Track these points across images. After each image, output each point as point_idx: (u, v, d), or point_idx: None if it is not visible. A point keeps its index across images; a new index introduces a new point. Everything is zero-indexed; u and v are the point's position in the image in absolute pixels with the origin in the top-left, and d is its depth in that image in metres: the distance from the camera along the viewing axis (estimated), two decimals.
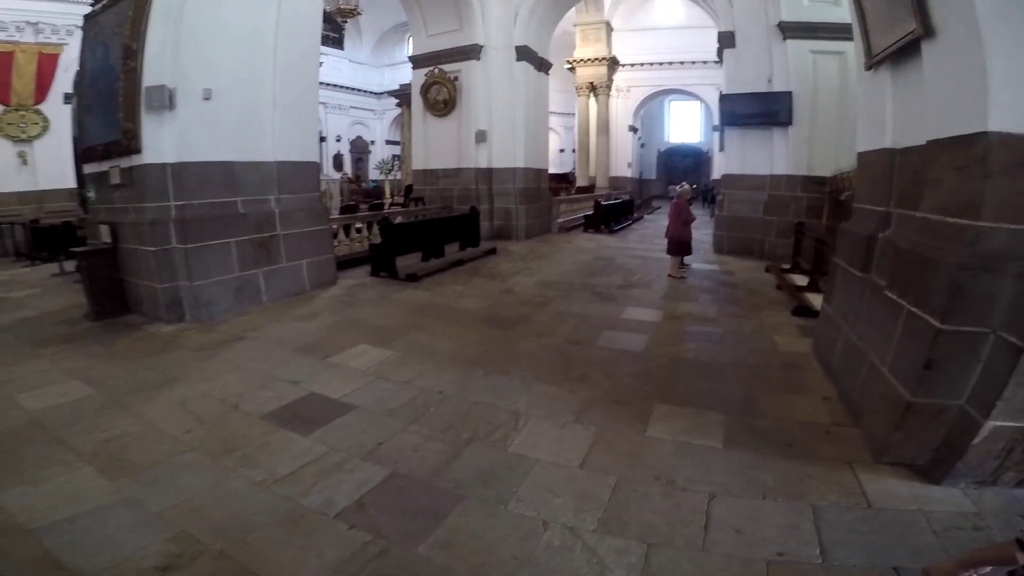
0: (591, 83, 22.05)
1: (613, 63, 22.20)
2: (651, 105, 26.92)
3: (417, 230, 9.02)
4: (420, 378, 4.15)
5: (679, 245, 8.36)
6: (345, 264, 8.53)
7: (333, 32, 23.41)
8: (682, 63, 23.80)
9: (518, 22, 11.74)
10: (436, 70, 11.93)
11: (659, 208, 22.45)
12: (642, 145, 27.95)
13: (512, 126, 12.00)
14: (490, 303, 6.60)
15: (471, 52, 11.62)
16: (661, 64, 24.16)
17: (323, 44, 25.14)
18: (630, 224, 15.73)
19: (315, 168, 7.71)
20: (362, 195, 19.53)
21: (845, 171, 8.34)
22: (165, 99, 5.46)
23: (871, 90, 3.94)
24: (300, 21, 6.75)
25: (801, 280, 7.43)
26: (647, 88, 25.16)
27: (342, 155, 27.43)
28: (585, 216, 14.55)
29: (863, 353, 3.39)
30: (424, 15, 12.00)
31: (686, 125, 29.79)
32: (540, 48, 12.54)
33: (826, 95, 9.32)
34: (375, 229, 9.23)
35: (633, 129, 26.02)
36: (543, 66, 12.86)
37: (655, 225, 16.72)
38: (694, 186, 23.90)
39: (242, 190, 6.28)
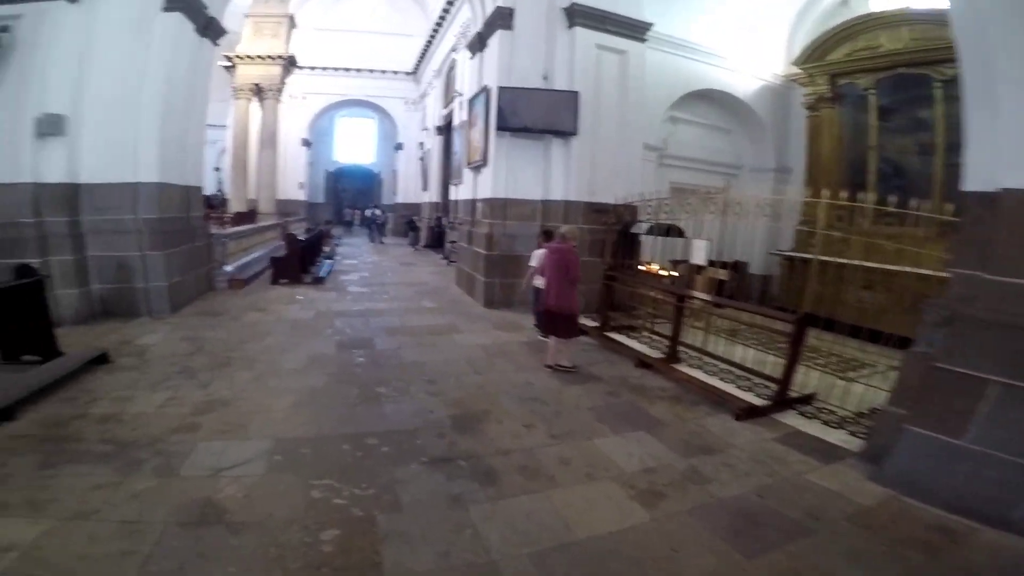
0: (257, 85, 17.14)
1: (290, 64, 17.95)
2: (321, 120, 22.67)
3: None
4: None
5: (567, 321, 5.10)
6: None
7: None
8: (371, 71, 21.01)
9: None
10: None
11: (339, 239, 18.57)
12: (309, 164, 23.17)
13: (133, 113, 6.37)
14: None
15: None
16: (348, 70, 20.71)
17: None
18: (331, 265, 11.41)
19: None
20: None
21: (632, 199, 7.04)
22: None
23: None
24: None
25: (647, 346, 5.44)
26: (328, 96, 21.11)
27: None
28: (273, 259, 9.48)
29: None
30: None
31: (357, 143, 26.42)
32: (213, 3, 7.20)
33: (608, 102, 7.89)
34: None
35: (307, 143, 21.24)
36: (212, 30, 7.44)
37: (361, 263, 12.96)
38: (375, 211, 21.38)
39: None
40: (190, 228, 7.44)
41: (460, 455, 3.31)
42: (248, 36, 17.01)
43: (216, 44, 7.81)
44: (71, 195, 6.12)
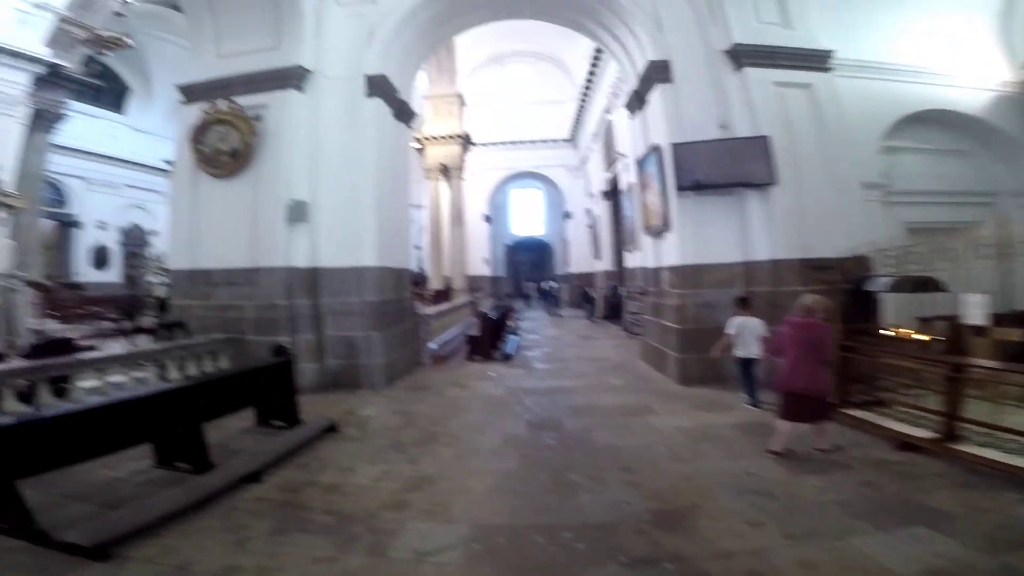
0: (443, 165, 18.65)
1: (466, 141, 19.32)
2: (497, 194, 24.69)
3: (104, 420, 3.50)
4: None
5: (817, 403, 4.27)
6: None
7: (100, 81, 15.89)
8: (532, 142, 22.51)
9: (374, 44, 7.67)
10: (223, 102, 7.09)
11: (520, 312, 19.20)
12: (490, 238, 25.19)
13: (355, 198, 7.44)
14: None
15: (290, 78, 7.22)
16: (513, 143, 22.50)
17: (92, 101, 17.65)
18: (517, 340, 11.79)
19: None
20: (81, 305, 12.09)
21: (861, 249, 5.75)
22: None
23: None
24: None
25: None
26: (500, 171, 23.07)
27: (106, 248, 18.56)
28: (468, 337, 10.17)
29: None
30: (219, 25, 7.48)
31: (529, 214, 27.67)
32: (402, 87, 8.50)
33: (805, 141, 6.98)
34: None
35: (488, 219, 23.21)
36: (404, 114, 8.75)
37: (543, 337, 13.15)
38: (551, 284, 22.08)
39: None
40: (403, 308, 8.37)
41: (666, 556, 2.77)
42: (430, 118, 18.42)
43: (409, 127, 9.01)
44: (313, 279, 7.29)
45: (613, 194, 16.21)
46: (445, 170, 18.83)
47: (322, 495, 3.68)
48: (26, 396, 4.24)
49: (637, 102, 8.41)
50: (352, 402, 6.37)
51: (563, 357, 9.94)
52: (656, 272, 8.33)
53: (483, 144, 21.53)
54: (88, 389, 4.87)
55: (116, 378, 5.13)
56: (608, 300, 16.72)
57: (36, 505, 3.01)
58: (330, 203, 7.36)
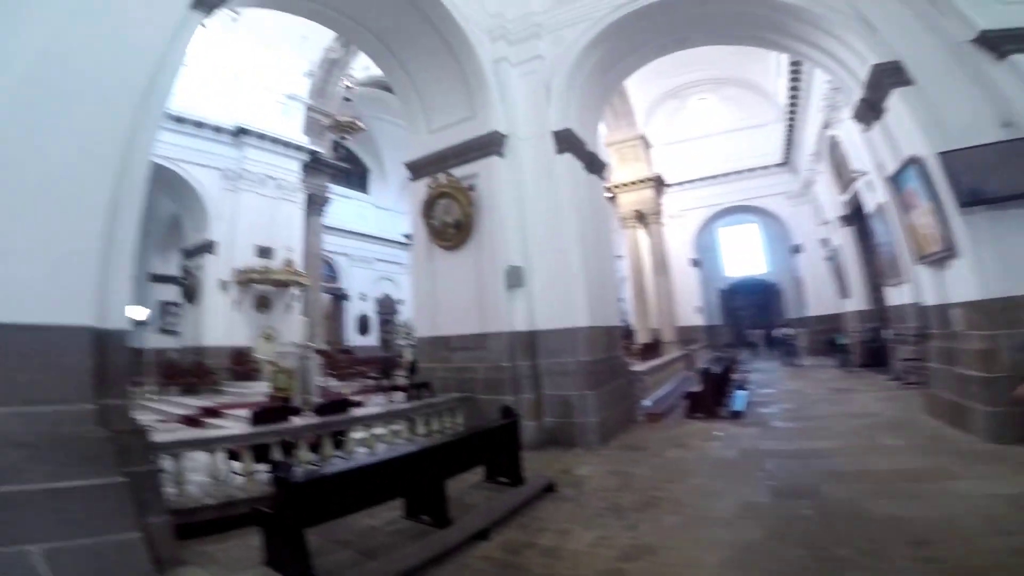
0: (638, 211, 18.34)
1: (659, 183, 18.75)
2: (703, 235, 22.66)
3: (371, 476, 4.04)
4: None
5: None
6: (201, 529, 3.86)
7: (346, 164, 20.03)
8: (737, 172, 20.35)
9: (553, 99, 8.10)
10: (443, 176, 8.11)
11: (745, 363, 16.89)
12: (701, 284, 23.11)
13: (562, 257, 7.68)
14: None
15: (490, 145, 7.88)
16: (714, 177, 20.67)
17: (343, 183, 21.73)
18: (746, 395, 10.33)
19: None
20: (351, 366, 14.91)
21: None
22: None
23: None
24: None
25: None
26: (704, 210, 21.30)
27: (367, 316, 23.26)
28: (687, 394, 9.36)
29: None
30: (424, 103, 8.58)
31: (745, 253, 24.45)
32: (587, 139, 8.77)
33: None
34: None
35: (695, 263, 21.57)
36: (595, 165, 8.97)
37: (780, 391, 11.27)
38: (786, 331, 18.88)
39: None
40: (614, 367, 8.16)
41: None
42: (615, 165, 18.21)
43: (601, 178, 9.01)
44: (532, 341, 7.63)
45: (856, 218, 13.59)
46: (640, 217, 18.52)
47: (539, 558, 3.58)
48: (314, 446, 5.30)
49: (870, 112, 7.05)
50: (567, 461, 6.27)
51: (812, 414, 8.27)
52: (941, 309, 6.52)
53: (679, 184, 20.61)
54: (357, 440, 5.88)
55: (377, 430, 6.09)
56: (866, 345, 13.62)
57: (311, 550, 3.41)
58: (540, 265, 7.69)
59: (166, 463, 4.11)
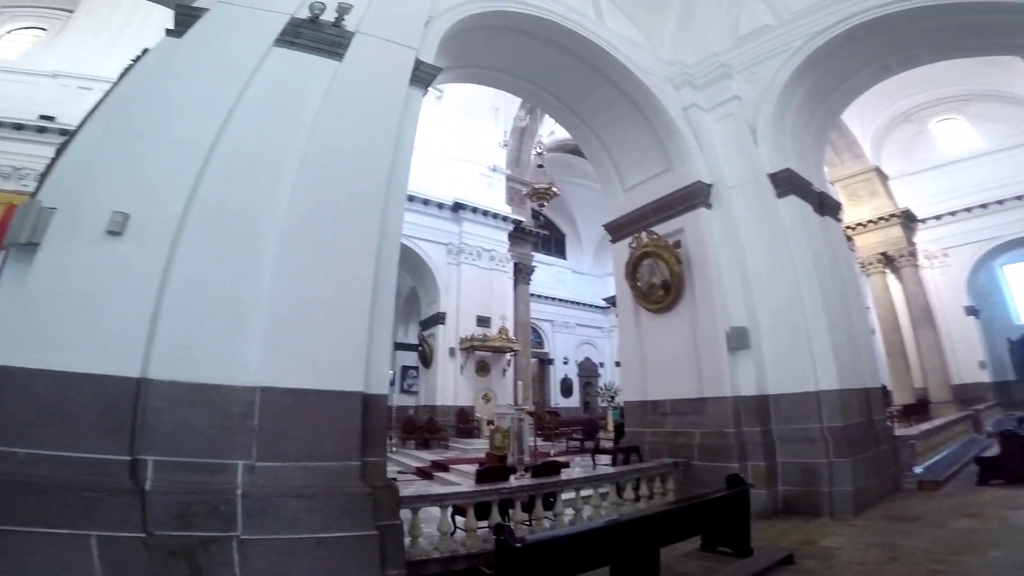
0: (883, 254, 15.72)
1: (908, 219, 15.83)
2: (979, 276, 17.93)
3: (587, 542, 3.80)
4: None
5: None
6: None
7: (544, 230, 20.48)
8: (1019, 198, 15.96)
9: (760, 139, 7.52)
10: (644, 235, 7.89)
11: None
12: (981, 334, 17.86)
13: (796, 313, 6.79)
14: None
15: (694, 196, 7.55)
16: (985, 207, 16.55)
17: (543, 250, 22.83)
18: None
19: None
20: (554, 428, 14.91)
21: None
22: None
23: None
24: None
25: None
26: (975, 246, 17.05)
27: (570, 380, 23.95)
28: (979, 459, 7.49)
29: None
30: (615, 161, 8.64)
31: None
32: (812, 178, 7.85)
33: None
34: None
35: (972, 311, 16.99)
36: (826, 206, 7.93)
37: None
38: None
39: None
40: (874, 433, 6.87)
41: None
42: (845, 203, 15.92)
43: (837, 219, 7.75)
44: (762, 406, 6.80)
45: None
46: (887, 259, 15.73)
47: None
48: (526, 506, 5.31)
49: None
50: (810, 531, 5.43)
51: None
52: None
53: (935, 217, 17.11)
54: (564, 500, 5.74)
55: (585, 492, 5.85)
56: None
57: None
58: (769, 323, 6.96)
59: (403, 512, 4.51)
